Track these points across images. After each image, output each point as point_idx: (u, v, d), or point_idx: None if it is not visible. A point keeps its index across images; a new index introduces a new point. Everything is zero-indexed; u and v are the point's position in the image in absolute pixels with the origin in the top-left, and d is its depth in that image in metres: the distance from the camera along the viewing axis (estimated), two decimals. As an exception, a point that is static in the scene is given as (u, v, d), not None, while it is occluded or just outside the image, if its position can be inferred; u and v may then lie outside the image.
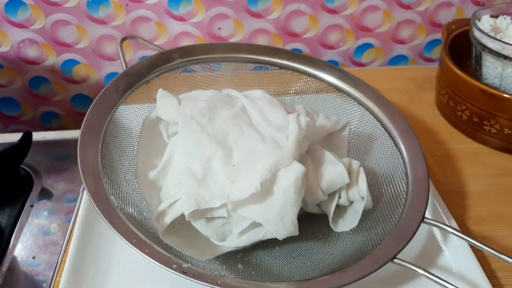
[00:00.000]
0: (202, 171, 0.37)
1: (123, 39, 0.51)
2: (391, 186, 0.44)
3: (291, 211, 0.36)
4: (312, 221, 0.43)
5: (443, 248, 0.43)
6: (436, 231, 0.44)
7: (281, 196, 0.36)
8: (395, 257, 0.35)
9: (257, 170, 0.36)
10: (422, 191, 0.40)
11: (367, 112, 0.49)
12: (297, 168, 0.37)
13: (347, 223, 0.41)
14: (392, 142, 0.46)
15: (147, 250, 0.33)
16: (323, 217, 0.42)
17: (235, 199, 0.35)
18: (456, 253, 0.42)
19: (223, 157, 0.38)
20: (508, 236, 0.46)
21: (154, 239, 0.36)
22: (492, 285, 0.39)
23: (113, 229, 0.34)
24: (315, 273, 0.38)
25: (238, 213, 0.36)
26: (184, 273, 0.32)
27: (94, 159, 0.38)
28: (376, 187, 0.45)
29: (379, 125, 0.47)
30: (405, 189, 0.41)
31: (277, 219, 0.35)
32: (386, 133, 0.47)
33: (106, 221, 0.34)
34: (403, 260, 0.35)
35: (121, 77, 0.46)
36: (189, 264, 0.33)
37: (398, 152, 0.45)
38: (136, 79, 0.47)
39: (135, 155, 0.44)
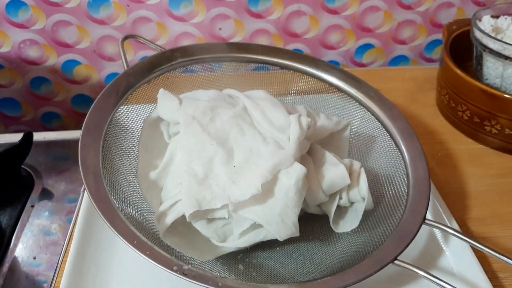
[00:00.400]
0: (203, 171, 0.37)
1: (124, 38, 0.51)
2: (392, 187, 0.43)
3: (292, 212, 0.36)
4: (313, 222, 0.43)
5: (444, 249, 0.43)
6: (437, 232, 0.44)
7: (282, 197, 0.36)
8: (396, 259, 0.35)
9: (258, 171, 0.36)
10: (423, 192, 0.40)
11: (368, 112, 0.49)
12: (298, 169, 0.37)
13: (348, 223, 0.41)
14: (393, 142, 0.46)
15: (147, 252, 0.33)
16: (324, 218, 0.42)
17: (236, 200, 0.35)
18: (457, 254, 0.42)
19: (224, 157, 0.38)
20: (509, 237, 0.46)
21: (155, 241, 0.36)
22: (493, 286, 0.39)
23: (114, 230, 0.34)
24: (316, 274, 0.38)
25: (239, 214, 0.36)
26: (185, 275, 0.32)
27: (95, 160, 0.38)
28: (377, 188, 0.45)
29: (380, 126, 0.47)
30: (406, 190, 0.41)
31: (278, 220, 0.35)
32: (387, 134, 0.46)
33: (107, 222, 0.34)
34: (404, 262, 0.35)
35: (122, 77, 0.46)
36: (190, 266, 0.33)
37: (399, 153, 0.45)
38: (137, 79, 0.47)
39: (136, 156, 0.44)
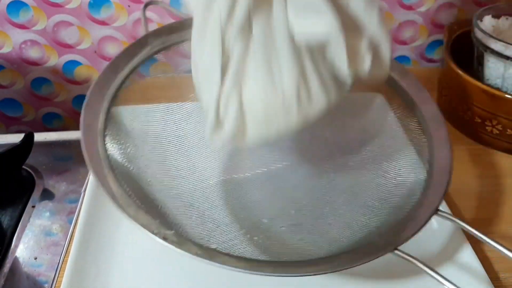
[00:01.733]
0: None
1: (147, 4, 0.49)
2: (413, 175, 0.41)
3: None
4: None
5: (445, 248, 0.43)
6: (440, 229, 0.44)
7: None
8: (396, 249, 0.33)
9: None
10: (441, 182, 0.38)
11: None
12: None
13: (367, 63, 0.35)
14: (419, 128, 0.44)
15: (131, 213, 0.32)
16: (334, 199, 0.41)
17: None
18: (458, 253, 0.42)
19: None
20: (510, 237, 0.46)
21: (149, 207, 0.35)
22: (495, 286, 0.39)
23: (101, 185, 0.33)
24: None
25: None
26: (165, 239, 0.31)
27: (98, 118, 0.38)
28: (398, 176, 0.43)
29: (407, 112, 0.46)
30: (425, 177, 0.39)
31: None
32: (415, 118, 0.44)
33: (97, 179, 0.33)
34: (404, 253, 0.33)
35: (142, 38, 0.44)
36: (173, 231, 0.32)
37: (425, 139, 0.42)
38: (155, 43, 0.45)
39: (148, 122, 0.42)
